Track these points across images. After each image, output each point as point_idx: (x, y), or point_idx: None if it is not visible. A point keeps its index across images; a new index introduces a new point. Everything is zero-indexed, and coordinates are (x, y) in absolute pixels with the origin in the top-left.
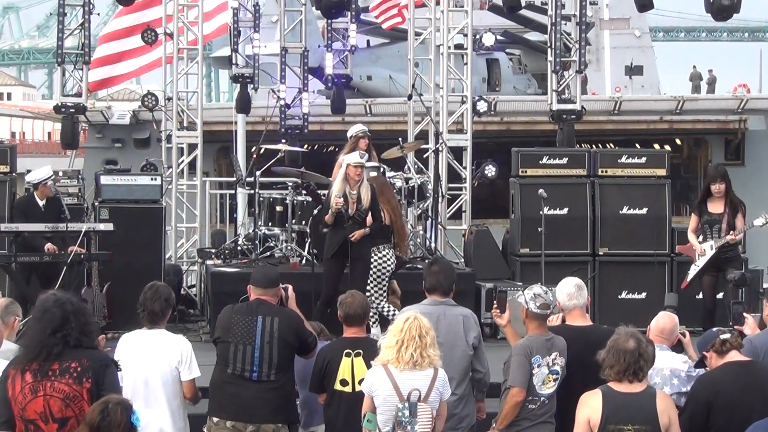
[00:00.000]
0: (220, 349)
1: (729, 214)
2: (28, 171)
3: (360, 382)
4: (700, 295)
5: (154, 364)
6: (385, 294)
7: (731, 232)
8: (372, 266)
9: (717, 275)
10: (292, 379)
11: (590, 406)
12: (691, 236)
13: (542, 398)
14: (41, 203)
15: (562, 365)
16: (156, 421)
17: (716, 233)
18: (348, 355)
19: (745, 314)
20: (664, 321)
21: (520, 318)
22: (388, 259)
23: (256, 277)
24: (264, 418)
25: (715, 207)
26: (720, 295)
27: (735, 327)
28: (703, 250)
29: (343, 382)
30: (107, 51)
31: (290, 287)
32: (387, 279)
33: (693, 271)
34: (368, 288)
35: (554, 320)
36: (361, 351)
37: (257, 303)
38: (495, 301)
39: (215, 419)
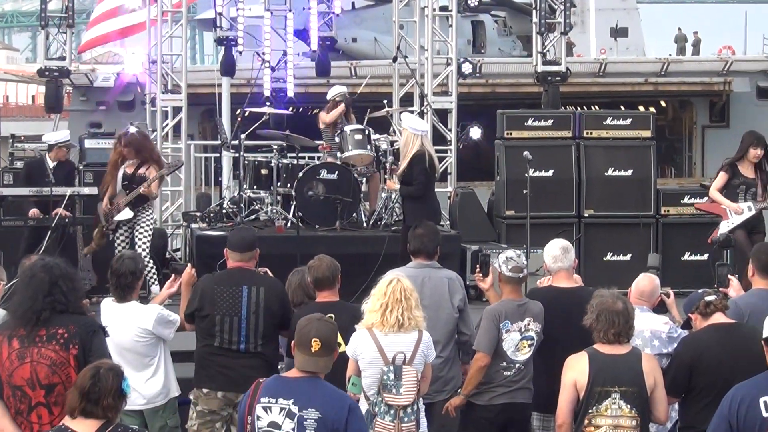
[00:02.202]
0: (205, 323)
1: (762, 180)
2: (11, 136)
3: None
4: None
5: (123, 339)
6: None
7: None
8: (143, 225)
9: (747, 234)
10: (277, 348)
11: (576, 368)
12: (717, 194)
13: (517, 364)
14: (51, 165)
15: (538, 330)
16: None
17: (750, 197)
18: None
19: (729, 276)
20: (644, 283)
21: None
22: (154, 220)
23: (233, 242)
24: None
25: (747, 171)
26: (705, 256)
27: (720, 289)
28: (741, 209)
29: None
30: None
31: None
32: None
33: (725, 227)
34: (140, 247)
35: (544, 282)
36: (332, 315)
37: (239, 272)
38: (478, 265)
39: (205, 390)
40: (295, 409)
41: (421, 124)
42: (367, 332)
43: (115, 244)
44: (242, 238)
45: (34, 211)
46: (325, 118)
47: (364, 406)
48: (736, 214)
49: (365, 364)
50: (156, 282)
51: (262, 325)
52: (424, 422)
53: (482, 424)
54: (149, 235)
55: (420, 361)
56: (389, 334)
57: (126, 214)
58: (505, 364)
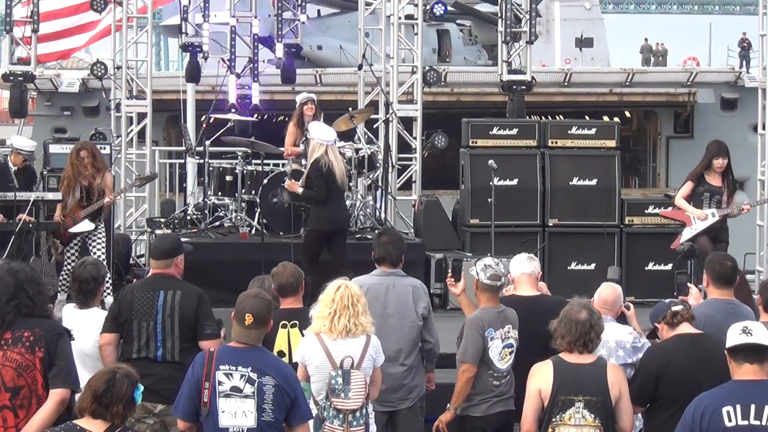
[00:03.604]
0: (125, 330)
1: (728, 188)
2: None
3: None
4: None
5: (84, 345)
6: None
7: (745, 202)
8: (99, 239)
9: (711, 241)
10: None
11: (541, 377)
12: (682, 201)
13: (504, 373)
14: (13, 169)
15: (516, 337)
16: None
17: (715, 204)
18: (284, 326)
19: (689, 284)
20: (606, 292)
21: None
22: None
23: (151, 249)
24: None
25: (714, 179)
26: (669, 266)
27: (680, 297)
28: (705, 216)
29: (281, 354)
30: (57, 26)
31: None
32: None
33: (688, 233)
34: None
35: (509, 291)
36: (297, 322)
37: (157, 277)
38: (450, 270)
39: None
40: (254, 376)
41: (328, 134)
42: (315, 337)
43: (66, 257)
44: (158, 245)
45: None
46: (288, 141)
47: (313, 410)
48: (699, 220)
49: (313, 369)
50: (111, 294)
51: (177, 330)
52: (373, 427)
53: None
54: (104, 248)
55: (368, 365)
56: (337, 340)
57: (86, 225)
58: (492, 372)
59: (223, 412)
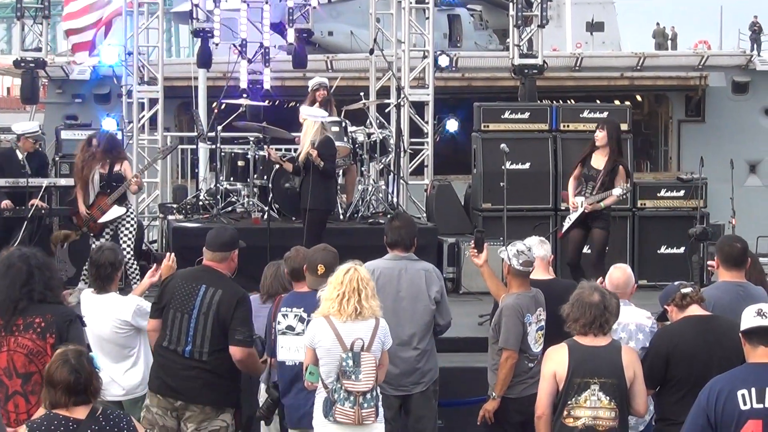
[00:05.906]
0: (163, 317)
1: (605, 174)
2: None
3: None
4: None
5: (102, 330)
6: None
7: (588, 199)
8: (128, 225)
9: (583, 231)
10: (225, 361)
11: (556, 360)
12: (570, 183)
13: (537, 355)
14: (21, 156)
15: (545, 318)
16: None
17: (589, 190)
18: None
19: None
20: (617, 275)
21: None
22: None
23: (208, 239)
24: (193, 398)
25: (598, 162)
26: (681, 250)
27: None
28: (576, 205)
29: None
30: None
31: None
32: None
33: (567, 223)
34: (128, 249)
35: None
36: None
37: (205, 270)
38: (473, 242)
39: (148, 390)
40: (305, 315)
41: (320, 111)
42: (324, 320)
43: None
44: (216, 236)
45: (6, 203)
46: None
47: (322, 394)
48: (573, 210)
49: (323, 352)
50: (138, 282)
51: (209, 329)
52: (381, 410)
53: (513, 417)
54: (134, 234)
55: (378, 347)
56: (347, 322)
57: (116, 211)
58: (528, 356)
59: (282, 347)
